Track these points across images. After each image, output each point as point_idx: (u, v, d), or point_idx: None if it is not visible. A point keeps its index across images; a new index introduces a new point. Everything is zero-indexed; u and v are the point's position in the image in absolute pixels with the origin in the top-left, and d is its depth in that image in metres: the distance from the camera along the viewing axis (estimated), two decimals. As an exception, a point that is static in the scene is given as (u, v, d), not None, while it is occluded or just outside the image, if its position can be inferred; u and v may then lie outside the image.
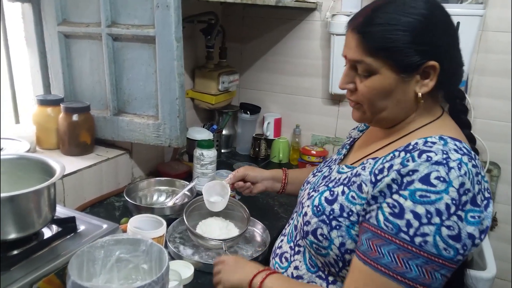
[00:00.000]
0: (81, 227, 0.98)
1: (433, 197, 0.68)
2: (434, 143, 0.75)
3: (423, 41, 0.75)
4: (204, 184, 1.29)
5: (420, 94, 0.79)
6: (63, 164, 0.93)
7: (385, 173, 0.75)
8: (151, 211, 1.28)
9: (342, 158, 1.01)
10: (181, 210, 1.30)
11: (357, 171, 0.84)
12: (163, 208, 1.35)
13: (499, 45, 1.64)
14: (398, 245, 0.70)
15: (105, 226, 1.00)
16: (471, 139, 0.86)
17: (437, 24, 0.77)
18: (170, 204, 1.39)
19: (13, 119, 1.48)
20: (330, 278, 0.88)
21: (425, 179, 0.70)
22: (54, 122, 1.42)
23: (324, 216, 0.84)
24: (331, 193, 0.86)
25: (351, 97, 0.86)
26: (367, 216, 0.77)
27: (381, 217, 0.73)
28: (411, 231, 0.69)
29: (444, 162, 0.70)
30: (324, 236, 0.84)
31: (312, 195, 0.90)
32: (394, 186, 0.73)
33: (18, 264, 0.83)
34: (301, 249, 0.94)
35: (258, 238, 1.31)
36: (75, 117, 1.39)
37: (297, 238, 0.96)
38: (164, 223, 1.14)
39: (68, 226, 0.96)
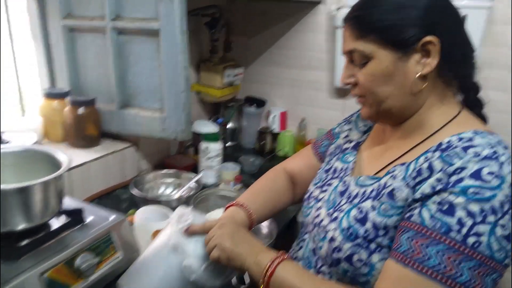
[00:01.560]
0: (89, 218, 0.99)
1: (487, 193, 0.62)
2: (471, 138, 0.68)
3: (416, 17, 0.71)
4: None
5: (419, 74, 0.73)
6: (69, 156, 0.94)
7: (425, 174, 0.68)
8: (158, 203, 1.28)
9: (353, 166, 0.89)
10: (187, 202, 1.30)
11: (385, 183, 0.74)
12: (169, 200, 1.36)
13: (506, 38, 1.62)
14: (448, 245, 0.62)
15: (112, 217, 1.01)
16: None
17: (430, 2, 0.72)
18: (176, 196, 1.40)
19: (20, 112, 1.49)
20: None
21: (477, 175, 0.63)
22: (60, 115, 1.43)
23: (359, 239, 0.73)
24: (359, 210, 0.75)
25: (354, 92, 0.81)
26: (407, 215, 0.68)
27: (426, 214, 0.65)
28: (464, 230, 0.61)
29: (494, 156, 0.64)
30: (363, 262, 0.72)
31: (337, 216, 0.78)
32: (440, 186, 0.65)
33: (27, 254, 0.84)
34: (326, 276, 0.81)
35: (265, 230, 1.31)
36: (81, 110, 1.40)
37: (319, 265, 0.82)
38: (171, 214, 1.14)
39: (75, 217, 0.97)
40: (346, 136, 0.99)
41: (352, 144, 0.95)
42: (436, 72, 0.74)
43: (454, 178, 0.64)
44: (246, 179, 1.68)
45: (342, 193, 0.83)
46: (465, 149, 0.66)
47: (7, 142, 1.21)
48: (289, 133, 2.00)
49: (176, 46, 1.28)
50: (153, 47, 1.33)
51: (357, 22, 0.75)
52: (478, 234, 0.61)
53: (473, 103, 0.81)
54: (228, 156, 1.93)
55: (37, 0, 1.42)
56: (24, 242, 0.87)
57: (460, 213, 0.62)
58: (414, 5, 0.71)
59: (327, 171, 0.94)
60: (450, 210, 0.63)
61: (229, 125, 2.07)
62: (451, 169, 0.65)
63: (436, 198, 0.65)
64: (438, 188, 0.65)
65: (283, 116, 2.05)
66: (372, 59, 0.74)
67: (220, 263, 0.79)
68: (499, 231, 0.61)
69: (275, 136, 2.03)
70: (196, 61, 1.94)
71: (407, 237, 0.66)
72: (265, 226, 1.32)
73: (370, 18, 0.74)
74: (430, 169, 0.68)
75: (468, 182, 0.63)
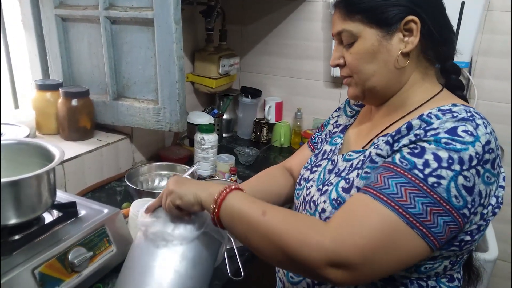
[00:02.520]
0: (82, 212, 0.98)
1: (458, 146, 0.65)
2: (450, 110, 0.72)
3: None
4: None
5: (400, 51, 0.77)
6: (62, 149, 0.93)
7: (404, 132, 0.72)
8: (153, 196, 1.27)
9: (340, 147, 0.93)
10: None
11: (370, 152, 0.79)
12: (164, 193, 1.34)
13: (504, 25, 1.61)
14: (408, 179, 0.65)
15: (106, 210, 1.00)
16: None
17: None
18: (171, 188, 1.39)
19: (12, 104, 1.47)
20: None
21: (452, 131, 0.66)
22: (53, 107, 1.41)
23: None
24: (347, 181, 0.80)
25: (343, 72, 0.86)
26: (387, 160, 0.72)
27: (397, 156, 0.69)
28: (427, 170, 0.64)
29: (471, 118, 0.68)
30: None
31: (327, 189, 0.83)
32: (416, 139, 0.69)
33: (20, 249, 0.83)
34: None
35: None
36: (74, 102, 1.38)
37: None
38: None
39: (68, 211, 0.95)
40: (335, 122, 1.04)
41: (340, 127, 1.00)
42: (418, 50, 0.79)
43: (431, 133, 0.68)
44: (242, 170, 1.67)
45: (330, 170, 0.88)
46: (444, 112, 0.71)
47: (0, 135, 1.20)
48: (285, 124, 1.99)
49: (170, 35, 1.26)
50: (147, 36, 1.31)
51: (345, 4, 0.80)
52: (439, 177, 0.64)
53: (454, 86, 0.85)
54: (224, 147, 1.93)
55: (28, -11, 1.39)
56: (17, 237, 0.86)
57: (428, 156, 0.66)
58: None
59: (316, 155, 0.99)
60: (420, 153, 0.67)
61: (225, 116, 2.06)
62: (429, 127, 0.69)
63: (411, 145, 0.69)
64: (414, 139, 0.69)
65: (279, 107, 2.03)
66: (358, 38, 0.79)
67: (179, 210, 0.79)
68: (461, 180, 0.64)
69: (271, 127, 2.02)
70: (190, 50, 1.92)
71: (376, 173, 0.70)
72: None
73: (357, 0, 0.78)
74: (409, 127, 0.72)
75: (442, 135, 0.66)
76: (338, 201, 0.78)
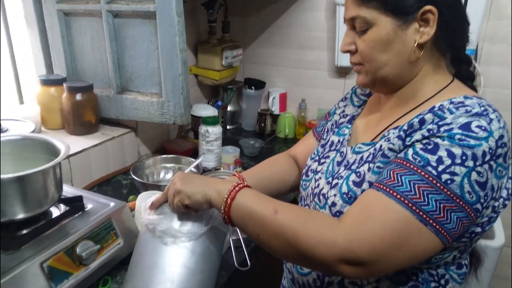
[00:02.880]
0: (89, 206, 0.98)
1: (472, 142, 0.64)
2: (462, 102, 0.70)
3: None
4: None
5: (416, 43, 0.75)
6: (67, 143, 0.93)
7: (417, 126, 0.71)
8: (158, 188, 1.28)
9: (348, 138, 0.92)
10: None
11: (381, 145, 0.77)
12: (170, 185, 1.35)
13: (510, 11, 1.59)
14: (422, 176, 0.65)
15: (112, 204, 1.00)
16: None
17: None
18: (176, 181, 1.39)
19: (17, 100, 1.47)
20: None
21: (466, 126, 0.65)
22: (57, 102, 1.41)
23: None
24: (358, 174, 0.78)
25: (353, 59, 0.83)
26: (400, 155, 0.71)
27: (410, 151, 0.68)
28: (440, 167, 0.64)
29: (485, 113, 0.67)
30: None
31: (337, 183, 0.81)
32: (429, 134, 0.68)
33: (28, 243, 0.84)
34: None
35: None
36: (78, 96, 1.39)
37: None
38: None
39: (75, 205, 0.96)
40: (342, 112, 1.01)
41: (348, 118, 0.98)
42: (433, 41, 0.76)
43: (444, 128, 0.67)
44: (247, 161, 1.67)
45: (339, 163, 0.86)
46: (459, 106, 0.69)
47: (5, 131, 1.20)
48: (289, 115, 1.98)
49: (172, 28, 1.25)
50: (149, 30, 1.31)
51: None
52: (453, 173, 0.64)
53: (464, 76, 0.83)
54: (228, 139, 1.93)
55: (30, -15, 1.39)
56: (24, 231, 0.87)
57: (441, 153, 0.65)
58: None
59: (323, 145, 0.97)
60: (434, 149, 0.66)
61: (229, 108, 2.05)
62: (442, 122, 0.68)
63: (424, 141, 0.68)
64: (427, 135, 0.68)
65: (283, 98, 2.03)
66: (373, 25, 0.76)
67: (187, 208, 0.79)
68: (474, 176, 0.64)
69: (275, 118, 2.01)
70: (193, 43, 1.91)
71: (388, 169, 0.70)
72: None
73: None
74: (421, 121, 0.71)
75: (456, 131, 0.65)
76: (349, 195, 0.77)
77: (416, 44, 0.75)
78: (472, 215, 0.65)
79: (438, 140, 0.66)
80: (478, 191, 0.64)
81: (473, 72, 0.84)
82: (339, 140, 0.93)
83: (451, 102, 0.71)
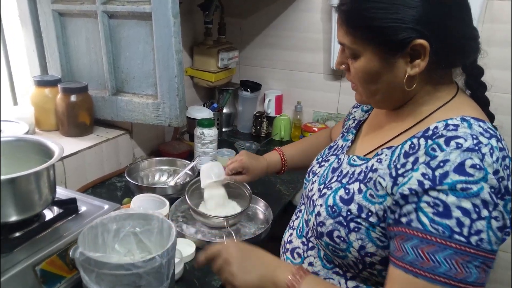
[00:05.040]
0: (83, 208, 0.97)
1: (474, 188, 0.62)
2: (456, 126, 0.68)
3: (407, 18, 0.67)
4: (204, 164, 1.28)
5: (407, 75, 0.72)
6: (61, 145, 0.92)
7: (409, 167, 0.68)
8: (153, 191, 1.27)
9: (349, 145, 0.92)
10: (183, 189, 1.29)
11: (372, 165, 0.76)
12: (165, 188, 1.34)
13: (505, 14, 1.60)
14: (454, 249, 0.62)
15: (106, 206, 1.00)
16: (490, 117, 0.80)
17: None
18: (172, 183, 1.39)
19: (11, 101, 1.46)
20: (349, 275, 0.82)
21: (460, 169, 0.63)
22: (52, 103, 1.40)
23: (341, 218, 0.76)
24: (346, 191, 0.78)
25: (348, 78, 0.82)
26: (404, 220, 0.67)
27: (425, 219, 0.64)
28: (465, 231, 0.62)
29: (476, 148, 0.64)
30: (342, 239, 0.76)
31: (325, 193, 0.82)
32: (427, 182, 0.65)
33: (21, 246, 0.83)
34: (315, 245, 0.87)
35: (261, 216, 1.31)
36: (73, 97, 1.37)
37: (309, 235, 0.88)
38: (167, 202, 1.13)
39: (69, 207, 0.95)
40: (353, 116, 1.03)
41: (355, 122, 0.99)
42: (429, 68, 0.71)
43: (439, 172, 0.64)
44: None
45: (334, 170, 0.88)
46: (449, 139, 0.67)
47: (-2, 131, 1.19)
48: (285, 117, 1.98)
49: (168, 29, 1.25)
50: (145, 31, 1.30)
51: (346, 16, 0.74)
52: (478, 232, 0.62)
53: (475, 87, 0.81)
54: (224, 141, 1.92)
55: (24, -15, 1.38)
56: (17, 234, 0.85)
57: (456, 213, 0.62)
58: (406, 3, 0.68)
59: (330, 147, 1.00)
60: (446, 211, 0.63)
61: (224, 110, 2.05)
62: (435, 162, 0.65)
63: (427, 198, 0.65)
64: (426, 185, 0.65)
65: (279, 100, 2.02)
66: (361, 56, 0.74)
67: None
68: (494, 224, 0.63)
69: (271, 120, 2.01)
70: (189, 44, 1.91)
71: (412, 245, 0.65)
72: (261, 212, 1.32)
73: (358, 15, 0.72)
74: (414, 162, 0.68)
75: (453, 177, 0.63)
76: (333, 209, 0.78)
77: (407, 76, 0.72)
78: (495, 255, 0.65)
79: (442, 197, 0.63)
80: (500, 236, 0.64)
81: (485, 83, 0.81)
82: (342, 146, 0.95)
83: (446, 125, 0.69)
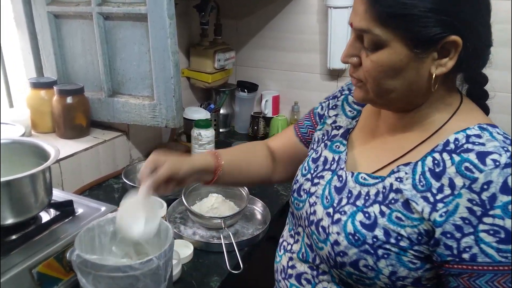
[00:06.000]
0: (79, 210, 0.97)
1: None
2: (478, 136, 0.65)
3: (446, 10, 0.63)
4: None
5: (434, 75, 0.67)
6: (57, 147, 0.92)
7: (447, 191, 0.64)
8: (150, 192, 1.27)
9: (345, 158, 0.83)
10: (180, 190, 1.29)
11: (391, 184, 0.71)
12: (162, 189, 1.34)
13: (499, 14, 1.59)
14: None
15: (103, 208, 0.99)
16: None
17: None
18: (169, 184, 1.38)
19: (7, 103, 1.46)
20: None
21: (506, 188, 0.60)
22: (48, 105, 1.40)
23: (367, 245, 0.69)
24: (366, 215, 0.71)
25: (354, 73, 0.73)
26: (466, 256, 0.62)
27: (491, 251, 0.61)
28: None
29: None
30: (370, 268, 0.70)
31: (340, 219, 0.74)
32: (477, 208, 0.61)
33: (17, 249, 0.83)
34: (326, 275, 0.80)
35: (259, 216, 1.31)
36: (69, 99, 1.37)
37: (317, 261, 0.80)
38: (164, 203, 1.13)
39: (65, 209, 0.95)
40: (334, 122, 0.92)
41: (341, 130, 0.89)
42: (452, 70, 0.67)
43: (485, 195, 0.61)
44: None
45: (339, 190, 0.78)
46: (482, 157, 0.63)
47: (-5, 134, 1.19)
48: (282, 118, 1.98)
49: (164, 30, 1.24)
50: (140, 32, 1.30)
51: (378, 2, 0.65)
52: None
53: (478, 95, 0.78)
54: (221, 142, 1.92)
55: (19, -13, 1.38)
56: (13, 237, 0.85)
57: None
58: None
59: (315, 160, 0.88)
60: (509, 237, 0.60)
61: (221, 111, 2.05)
62: (477, 185, 0.62)
63: (484, 227, 0.61)
64: (478, 212, 0.61)
65: (276, 101, 2.02)
66: (385, 47, 0.66)
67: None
68: None
69: (268, 121, 2.01)
70: (185, 45, 1.91)
71: (486, 280, 0.62)
72: (259, 212, 1.32)
73: (393, 2, 0.64)
74: (451, 186, 0.64)
75: (502, 198, 0.60)
76: (356, 237, 0.71)
77: (430, 75, 0.67)
78: None
79: (499, 222, 0.60)
80: None
81: (487, 92, 0.78)
82: (334, 159, 0.85)
83: (468, 137, 0.66)
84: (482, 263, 0.62)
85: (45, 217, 0.94)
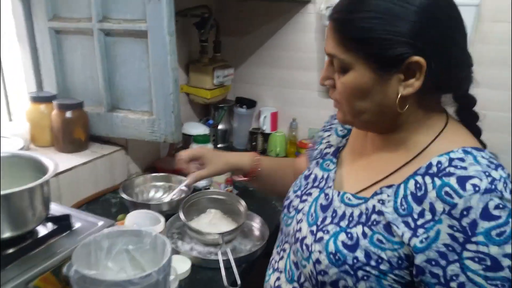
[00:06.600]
0: (77, 225, 0.96)
1: (508, 229, 0.59)
2: (461, 160, 0.65)
3: (405, 31, 0.63)
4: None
5: (400, 95, 0.68)
6: (56, 161, 0.92)
7: (428, 217, 0.63)
8: (148, 207, 1.27)
9: (334, 177, 0.84)
10: (178, 205, 1.28)
11: (374, 206, 0.71)
12: (160, 204, 1.34)
13: (495, 35, 1.63)
14: None
15: (101, 223, 0.99)
16: (483, 146, 0.75)
17: (426, 12, 0.64)
18: (167, 199, 1.38)
19: (7, 117, 1.46)
20: None
21: (487, 214, 0.60)
22: (47, 119, 1.40)
23: (347, 266, 0.69)
24: (349, 235, 0.71)
25: (332, 95, 0.75)
26: (454, 285, 0.62)
27: (478, 279, 0.60)
28: None
29: (493, 187, 0.61)
30: None
31: (322, 238, 0.74)
32: (458, 235, 0.61)
33: (14, 263, 0.81)
34: None
35: (257, 232, 1.30)
36: (68, 114, 1.38)
37: (302, 280, 0.79)
38: (162, 218, 1.13)
39: (63, 223, 0.94)
40: (327, 141, 0.95)
41: (332, 149, 0.91)
42: (422, 90, 0.67)
43: (466, 221, 0.60)
44: (238, 181, 1.67)
45: (324, 208, 0.79)
46: (462, 181, 0.62)
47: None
48: (280, 134, 1.99)
49: (164, 47, 1.26)
50: (141, 48, 1.32)
51: (340, 26, 0.69)
52: None
53: (467, 117, 0.77)
54: (219, 157, 1.92)
55: (22, 2, 1.39)
56: (10, 251, 0.84)
57: (506, 262, 0.60)
58: (404, 16, 0.63)
59: (306, 177, 0.90)
60: (495, 264, 0.60)
61: (220, 126, 2.06)
62: (457, 211, 0.61)
63: (469, 254, 0.60)
64: (460, 238, 0.61)
65: (274, 117, 2.04)
66: (351, 70, 0.69)
67: None
68: None
69: (266, 137, 2.02)
70: (185, 62, 1.93)
71: None
72: (257, 229, 1.31)
73: (353, 25, 0.66)
74: (432, 211, 0.63)
75: (483, 224, 0.60)
76: (337, 257, 0.71)
77: (399, 96, 0.67)
78: None
79: (484, 249, 0.59)
80: None
81: (477, 113, 0.76)
82: (323, 177, 0.86)
83: (450, 160, 0.65)
84: None
85: (42, 231, 0.93)
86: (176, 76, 1.30)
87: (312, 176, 0.89)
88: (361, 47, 0.66)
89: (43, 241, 0.89)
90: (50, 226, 0.95)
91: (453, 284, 0.62)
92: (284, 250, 0.87)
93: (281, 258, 0.87)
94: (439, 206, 0.63)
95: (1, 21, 1.38)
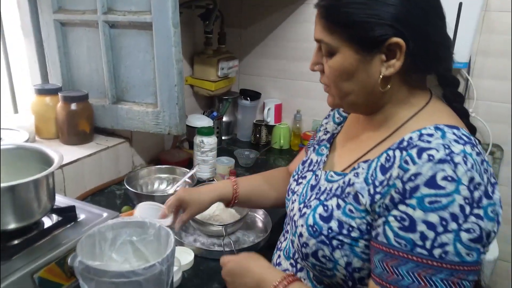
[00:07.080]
0: (81, 216, 0.98)
1: (444, 200, 0.61)
2: (431, 135, 0.67)
3: (385, 14, 0.67)
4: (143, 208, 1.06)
5: (382, 75, 0.71)
6: (61, 153, 0.93)
7: (385, 183, 0.68)
8: (152, 199, 1.27)
9: (325, 160, 0.90)
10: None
11: (349, 179, 0.76)
12: (164, 196, 1.35)
13: (502, 25, 1.61)
14: (416, 262, 0.62)
15: (105, 214, 1.00)
16: (471, 129, 0.78)
17: None
18: (171, 191, 1.39)
19: (12, 109, 1.47)
20: None
21: (431, 182, 0.62)
22: (52, 112, 1.41)
23: (323, 236, 0.75)
24: (325, 208, 0.77)
25: (321, 80, 0.80)
26: (374, 233, 0.69)
27: (390, 234, 0.65)
28: (428, 244, 0.61)
29: (448, 158, 0.62)
30: (327, 258, 0.75)
31: (305, 213, 0.80)
32: (397, 196, 0.65)
33: (19, 254, 0.83)
34: (303, 266, 0.85)
35: (260, 224, 1.31)
36: (73, 106, 1.39)
37: (296, 256, 0.87)
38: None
39: (68, 215, 0.95)
40: (325, 129, 1.00)
41: (328, 135, 0.97)
42: (404, 70, 0.71)
43: (409, 185, 0.64)
44: (241, 172, 1.67)
45: (313, 187, 0.85)
46: (421, 151, 0.65)
47: (-1, 139, 1.20)
48: (284, 126, 1.99)
49: (169, 39, 1.26)
50: (145, 40, 1.32)
51: (324, 12, 0.73)
52: (442, 244, 0.61)
53: (452, 98, 0.80)
54: (223, 149, 1.93)
55: (27, -5, 1.40)
56: (15, 242, 0.86)
57: (421, 227, 0.62)
58: (385, 0, 0.68)
59: (304, 162, 0.97)
60: (411, 226, 0.63)
61: (224, 118, 2.06)
62: (407, 175, 0.64)
63: (396, 212, 0.65)
64: (396, 199, 0.65)
65: (278, 109, 2.03)
66: (337, 53, 0.73)
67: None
68: (465, 236, 0.61)
69: (270, 129, 2.02)
70: (189, 54, 1.92)
71: (378, 258, 0.67)
72: (260, 220, 1.32)
73: (337, 10, 0.71)
74: (390, 178, 0.67)
75: (423, 190, 0.62)
76: (314, 228, 0.76)
77: (382, 76, 0.71)
78: (479, 267, 0.63)
79: (410, 211, 0.63)
80: (475, 247, 0.62)
81: (461, 94, 0.80)
82: (317, 161, 0.92)
83: (420, 135, 0.68)
84: (380, 242, 0.67)
85: (47, 222, 0.94)
86: (180, 68, 1.30)
87: (308, 161, 0.95)
88: (345, 30, 0.71)
89: (48, 232, 0.90)
90: (55, 218, 0.96)
91: (373, 233, 0.69)
92: (287, 232, 0.94)
93: (285, 239, 0.94)
94: (395, 172, 0.67)
95: (7, 14, 1.38)
